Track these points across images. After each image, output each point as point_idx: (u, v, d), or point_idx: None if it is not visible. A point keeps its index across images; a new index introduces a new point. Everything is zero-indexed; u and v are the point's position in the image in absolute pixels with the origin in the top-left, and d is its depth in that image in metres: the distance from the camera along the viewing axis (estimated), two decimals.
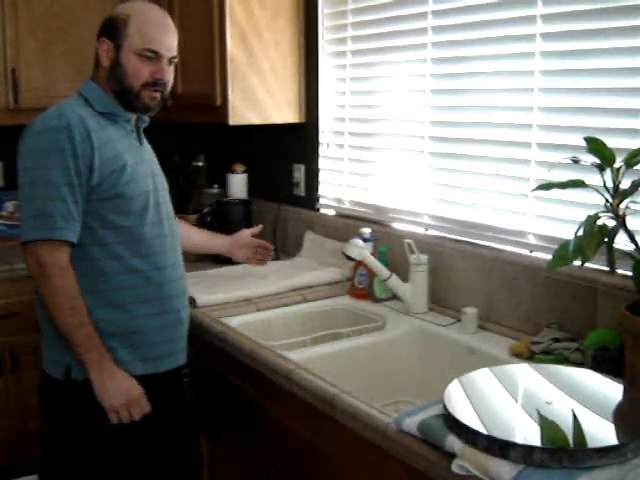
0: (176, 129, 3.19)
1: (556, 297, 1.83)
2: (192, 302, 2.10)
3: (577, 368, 1.53)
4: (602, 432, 1.25)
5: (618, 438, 1.21)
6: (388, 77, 2.39)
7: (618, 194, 1.44)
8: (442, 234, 2.21)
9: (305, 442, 1.69)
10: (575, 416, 1.27)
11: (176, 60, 1.84)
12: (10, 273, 2.65)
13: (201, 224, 2.79)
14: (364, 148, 2.54)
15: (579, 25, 1.77)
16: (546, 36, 1.85)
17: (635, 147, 1.49)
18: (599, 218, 1.41)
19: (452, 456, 1.25)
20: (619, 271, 1.55)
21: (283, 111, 2.72)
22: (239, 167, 3.03)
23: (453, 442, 1.25)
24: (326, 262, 2.54)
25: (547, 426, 1.25)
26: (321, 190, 2.77)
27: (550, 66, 1.85)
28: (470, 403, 1.35)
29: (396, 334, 2.02)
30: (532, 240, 1.93)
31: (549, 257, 1.51)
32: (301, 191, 2.86)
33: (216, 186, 3.07)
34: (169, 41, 1.80)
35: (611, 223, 1.43)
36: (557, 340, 1.73)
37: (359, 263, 2.23)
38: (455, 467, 1.23)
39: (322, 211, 2.77)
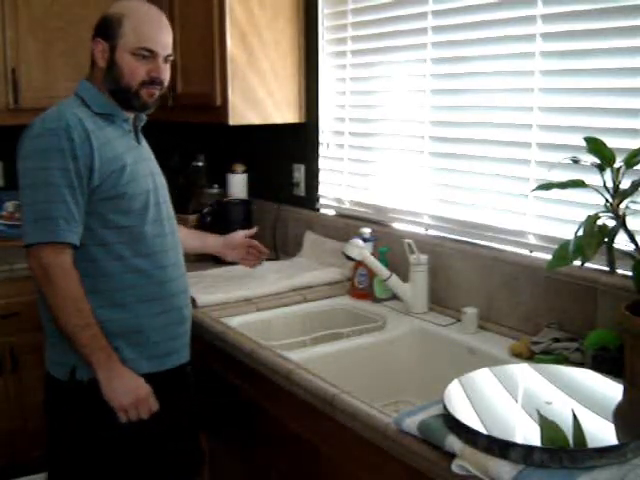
0: (176, 129, 3.19)
1: (556, 297, 1.83)
2: (192, 302, 2.09)
3: (577, 368, 1.53)
4: (602, 432, 1.25)
5: (618, 438, 1.21)
6: (388, 77, 2.39)
7: (618, 194, 1.44)
8: (442, 234, 2.21)
9: (305, 442, 1.69)
10: (575, 416, 1.27)
11: (172, 58, 1.84)
12: (10, 273, 2.65)
13: (201, 224, 2.79)
14: (364, 148, 2.54)
15: (579, 25, 1.77)
16: (546, 36, 1.85)
17: (635, 147, 1.49)
18: (599, 218, 1.41)
19: (452, 456, 1.25)
20: (619, 271, 1.55)
21: (283, 111, 2.72)
22: (239, 167, 3.03)
23: (453, 442, 1.25)
24: (326, 262, 2.54)
25: (547, 426, 1.25)
26: (321, 190, 2.77)
27: (550, 66, 1.85)
28: (470, 403, 1.35)
29: (396, 334, 2.02)
30: (532, 240, 1.93)
31: (549, 257, 1.51)
32: (301, 191, 2.86)
33: (216, 186, 3.07)
34: (164, 39, 1.80)
35: (611, 223, 1.43)
36: (557, 340, 1.73)
37: (359, 263, 2.23)
38: (455, 467, 1.23)
39: (322, 211, 2.77)
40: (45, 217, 1.66)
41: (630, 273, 1.45)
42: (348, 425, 1.51)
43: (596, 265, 1.68)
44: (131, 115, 1.86)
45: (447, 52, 2.15)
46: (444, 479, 1.27)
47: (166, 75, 1.82)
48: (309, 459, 1.70)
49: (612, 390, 1.40)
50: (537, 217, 1.92)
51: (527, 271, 1.90)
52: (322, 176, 2.76)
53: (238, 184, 3.01)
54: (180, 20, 2.78)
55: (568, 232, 1.60)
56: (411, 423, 1.35)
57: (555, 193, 1.71)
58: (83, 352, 1.67)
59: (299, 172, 2.86)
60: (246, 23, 2.58)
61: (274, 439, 1.83)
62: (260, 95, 2.64)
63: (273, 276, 2.44)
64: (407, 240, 2.14)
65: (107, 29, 1.77)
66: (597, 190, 1.46)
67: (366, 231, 2.33)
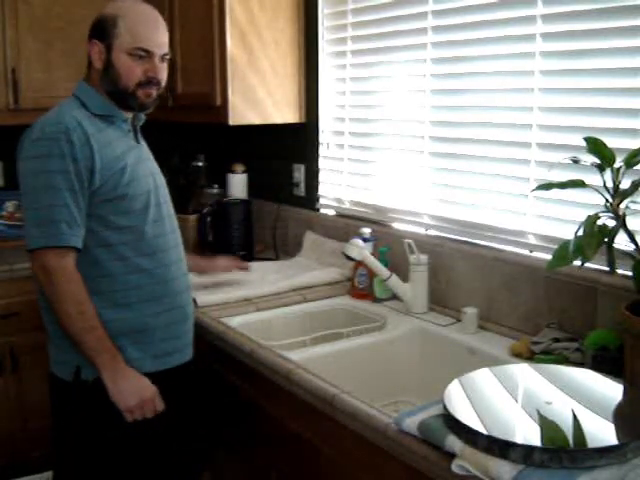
0: (176, 129, 3.19)
1: (556, 297, 1.83)
2: (192, 302, 2.10)
3: (577, 368, 1.53)
4: (602, 432, 1.25)
5: (618, 438, 1.21)
6: (388, 77, 2.39)
7: (618, 194, 1.44)
8: (442, 234, 2.21)
9: (305, 442, 1.69)
10: (575, 416, 1.27)
11: (168, 57, 1.83)
12: (10, 273, 2.64)
13: (201, 224, 2.79)
14: (364, 148, 2.54)
15: (579, 25, 1.77)
16: (546, 36, 1.85)
17: (635, 147, 1.49)
18: (599, 218, 1.41)
19: (452, 456, 1.25)
20: (619, 271, 1.55)
21: (283, 111, 2.72)
22: (239, 167, 3.03)
23: (453, 442, 1.25)
24: (326, 262, 2.54)
25: (547, 426, 1.25)
26: (321, 190, 2.77)
27: (550, 66, 1.85)
28: (470, 403, 1.35)
29: (396, 334, 2.02)
30: (532, 240, 1.93)
31: (549, 257, 1.51)
32: (301, 191, 2.86)
33: (216, 186, 3.07)
34: (160, 38, 1.79)
35: (611, 223, 1.43)
36: (557, 340, 1.73)
37: (359, 263, 2.23)
38: (455, 467, 1.23)
39: (322, 211, 2.77)
40: (47, 221, 1.66)
41: (630, 273, 1.45)
42: (348, 425, 1.51)
43: (596, 265, 1.68)
44: (130, 115, 1.86)
45: (447, 52, 2.15)
46: (444, 479, 1.27)
47: (163, 74, 1.82)
48: (309, 459, 1.70)
49: (612, 390, 1.40)
50: (537, 217, 1.92)
51: (527, 271, 1.90)
52: (322, 176, 2.76)
53: (238, 184, 3.01)
54: (180, 20, 2.78)
55: (568, 232, 1.60)
56: (411, 423, 1.35)
57: (555, 193, 1.71)
58: (88, 354, 1.68)
59: (299, 172, 2.86)
60: (246, 23, 2.58)
61: (274, 439, 1.83)
62: (260, 95, 2.65)
63: (273, 276, 2.44)
64: (407, 240, 2.14)
65: (102, 30, 1.77)
66: (597, 190, 1.46)
67: (366, 231, 2.33)
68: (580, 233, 1.40)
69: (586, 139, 1.48)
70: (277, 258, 2.81)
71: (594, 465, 1.15)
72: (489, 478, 1.18)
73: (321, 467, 1.65)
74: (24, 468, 2.64)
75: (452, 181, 2.17)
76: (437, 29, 2.17)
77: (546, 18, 1.84)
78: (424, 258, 2.12)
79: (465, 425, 1.25)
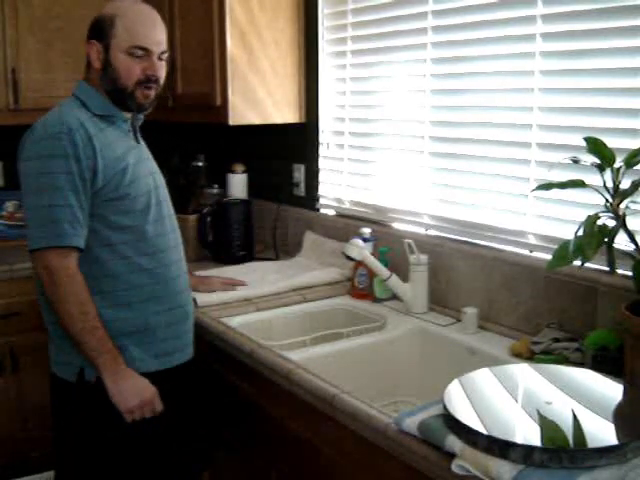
0: (176, 129, 3.19)
1: (556, 297, 1.83)
2: (192, 302, 2.10)
3: (577, 368, 1.53)
4: (602, 432, 1.25)
5: (618, 438, 1.21)
6: (388, 77, 2.39)
7: (618, 194, 1.44)
8: (442, 234, 2.21)
9: (305, 442, 1.69)
10: (575, 416, 1.27)
11: (167, 54, 1.83)
12: (10, 273, 2.64)
13: (201, 224, 2.79)
14: (364, 148, 2.54)
15: (579, 25, 1.77)
16: (546, 36, 1.85)
17: (635, 147, 1.49)
18: (599, 218, 1.41)
19: (452, 456, 1.25)
20: (619, 271, 1.55)
21: (283, 111, 2.72)
22: (239, 167, 3.03)
23: (453, 442, 1.25)
24: (326, 262, 2.54)
25: (547, 426, 1.25)
26: (321, 190, 2.77)
27: (550, 66, 1.85)
28: (470, 403, 1.35)
29: (396, 334, 2.02)
30: (532, 240, 1.93)
31: (549, 257, 1.51)
32: (301, 191, 2.86)
33: (216, 186, 3.07)
34: (157, 36, 1.79)
35: (611, 223, 1.43)
36: (557, 340, 1.73)
37: (359, 263, 2.23)
38: (455, 467, 1.23)
39: (322, 211, 2.77)
40: (50, 221, 1.66)
41: (630, 273, 1.45)
42: (348, 425, 1.51)
43: (596, 265, 1.68)
44: (130, 115, 1.86)
45: (447, 52, 2.15)
46: (444, 479, 1.27)
47: (162, 72, 1.82)
48: (309, 459, 1.70)
49: (612, 390, 1.40)
50: (537, 217, 1.92)
51: (527, 271, 1.90)
52: (322, 176, 2.76)
53: (238, 184, 3.01)
54: (180, 20, 2.78)
55: (568, 232, 1.60)
56: (411, 423, 1.34)
57: (555, 193, 1.71)
58: (89, 355, 1.68)
59: (299, 172, 2.86)
60: (246, 23, 2.57)
61: (274, 439, 1.83)
62: (260, 95, 2.64)
63: (273, 276, 2.44)
64: (407, 240, 2.14)
65: (100, 30, 1.77)
66: (597, 190, 1.46)
67: (366, 231, 2.33)
68: (580, 233, 1.40)
69: (586, 139, 1.48)
70: (277, 258, 2.81)
71: (594, 465, 1.15)
72: (489, 478, 1.18)
73: (321, 467, 1.65)
74: (24, 468, 2.64)
75: (452, 181, 2.17)
76: (437, 29, 2.17)
77: (546, 18, 1.84)
78: (424, 258, 2.12)
79: (465, 425, 1.25)
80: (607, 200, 1.45)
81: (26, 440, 2.65)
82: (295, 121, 2.76)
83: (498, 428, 1.25)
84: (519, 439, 1.20)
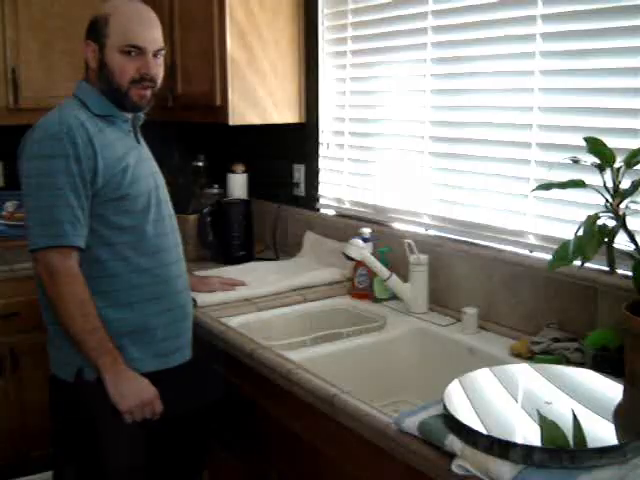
0: (176, 129, 3.19)
1: (556, 297, 1.83)
2: (192, 302, 2.10)
3: (577, 368, 1.53)
4: (602, 432, 1.25)
5: (618, 438, 1.21)
6: (388, 77, 2.39)
7: (618, 194, 1.44)
8: (442, 234, 2.21)
9: (305, 442, 1.69)
10: (575, 416, 1.27)
11: (163, 52, 1.82)
12: (10, 273, 2.64)
13: (201, 224, 2.79)
14: (364, 148, 2.54)
15: (579, 25, 1.77)
16: (546, 36, 1.85)
17: (635, 147, 1.49)
18: (599, 218, 1.41)
19: (452, 456, 1.25)
20: (619, 271, 1.55)
21: (283, 111, 2.72)
22: (239, 167, 3.03)
23: (453, 442, 1.25)
24: (326, 262, 2.54)
25: (547, 426, 1.25)
26: (321, 190, 2.77)
27: (550, 66, 1.85)
28: (470, 403, 1.35)
29: (396, 334, 2.02)
30: (532, 240, 1.93)
31: (549, 257, 1.51)
32: (301, 191, 2.86)
33: (216, 186, 3.07)
34: (152, 34, 1.78)
35: (611, 223, 1.43)
36: (557, 340, 1.73)
37: (359, 263, 2.23)
38: (455, 467, 1.23)
39: (322, 211, 2.77)
40: (51, 221, 1.66)
41: (630, 273, 1.45)
42: (348, 425, 1.51)
43: (596, 265, 1.67)
44: (130, 115, 1.86)
45: (447, 52, 2.15)
46: (444, 479, 1.27)
47: (157, 70, 1.80)
48: (309, 459, 1.70)
49: (612, 390, 1.40)
50: (537, 217, 1.92)
51: (527, 271, 1.90)
52: (322, 176, 2.76)
53: (238, 184, 3.01)
54: (180, 20, 2.78)
55: (568, 232, 1.60)
56: (411, 423, 1.34)
57: (555, 193, 1.71)
58: (89, 355, 1.68)
59: (299, 172, 2.86)
60: (246, 23, 2.57)
61: (274, 439, 1.83)
62: (260, 95, 2.64)
63: (273, 276, 2.44)
64: (407, 240, 2.14)
65: (95, 30, 1.77)
66: (597, 190, 1.46)
67: (366, 231, 2.33)
68: (580, 233, 1.40)
69: (586, 139, 1.48)
70: (277, 258, 2.81)
71: (594, 465, 1.15)
72: (489, 478, 1.18)
73: (321, 467, 1.66)
74: (24, 468, 2.64)
75: (452, 181, 2.17)
76: (437, 29, 2.17)
77: (546, 18, 1.84)
78: (424, 258, 2.12)
79: (465, 425, 1.25)
80: (607, 200, 1.45)
81: (26, 440, 2.65)
82: (295, 121, 2.76)
83: (498, 428, 1.25)
84: (519, 439, 1.20)
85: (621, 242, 1.45)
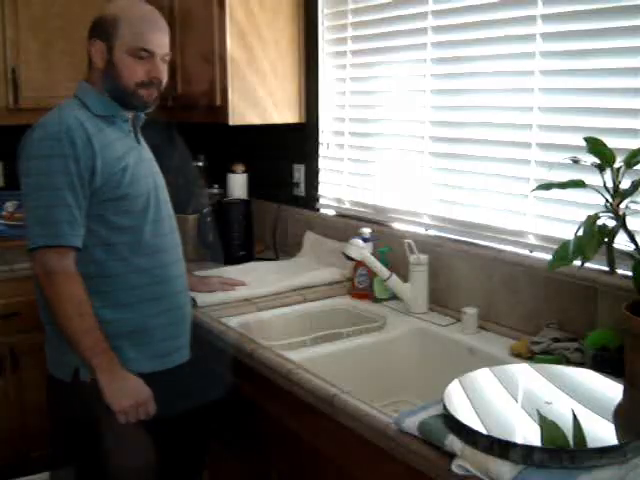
0: (176, 129, 3.19)
1: (556, 297, 1.83)
2: (192, 302, 2.10)
3: (577, 368, 1.53)
4: (602, 432, 1.25)
5: (618, 438, 1.21)
6: (388, 77, 2.39)
7: (618, 194, 1.44)
8: (442, 234, 2.21)
9: (305, 442, 1.69)
10: (575, 416, 1.27)
11: (169, 57, 1.84)
12: (10, 273, 2.64)
13: (201, 224, 2.79)
14: (364, 148, 2.54)
15: (579, 25, 1.77)
16: (546, 36, 1.85)
17: (635, 147, 1.49)
18: (599, 218, 1.41)
19: (452, 456, 1.25)
20: (619, 271, 1.54)
21: (283, 111, 2.72)
22: (239, 167, 3.03)
23: (453, 442, 1.25)
24: (326, 262, 2.54)
25: (547, 426, 1.25)
26: (321, 190, 2.77)
27: (550, 66, 1.85)
28: (470, 403, 1.35)
29: (396, 334, 2.02)
30: (532, 240, 1.93)
31: (549, 257, 1.51)
32: (301, 191, 2.86)
33: (216, 186, 3.07)
34: (161, 39, 1.80)
35: (611, 223, 1.43)
36: (557, 340, 1.73)
37: (359, 263, 2.23)
38: (455, 467, 1.23)
39: (322, 211, 2.77)
40: (48, 221, 1.66)
41: (630, 273, 1.45)
42: (348, 425, 1.51)
43: (596, 265, 1.67)
44: (130, 115, 1.86)
45: (447, 52, 2.15)
46: (444, 479, 1.27)
47: (164, 75, 1.83)
48: (309, 459, 1.70)
49: (612, 390, 1.40)
50: (537, 217, 1.92)
51: (527, 271, 1.90)
52: (322, 176, 2.76)
53: (238, 184, 3.01)
54: (180, 20, 2.78)
55: (568, 232, 1.60)
56: (411, 423, 1.34)
57: (555, 193, 1.71)
58: (85, 356, 1.68)
59: (299, 172, 2.86)
60: (246, 23, 2.58)
61: (274, 439, 1.83)
62: (260, 95, 2.64)
63: (273, 276, 2.44)
64: (407, 240, 2.14)
65: (103, 30, 1.77)
66: (597, 190, 1.46)
67: (366, 231, 2.33)
68: (580, 233, 1.40)
69: (586, 139, 1.48)
70: (277, 258, 2.81)
71: (594, 465, 1.15)
72: (489, 478, 1.18)
73: (321, 467, 1.66)
74: (24, 468, 2.64)
75: (452, 181, 2.17)
76: (437, 29, 2.17)
77: (546, 18, 1.84)
78: (424, 258, 2.12)
79: (465, 425, 1.25)
80: (607, 200, 1.45)
81: (26, 440, 2.65)
82: (295, 121, 2.76)
83: (498, 428, 1.25)
84: (519, 439, 1.20)
85: (621, 242, 1.45)
